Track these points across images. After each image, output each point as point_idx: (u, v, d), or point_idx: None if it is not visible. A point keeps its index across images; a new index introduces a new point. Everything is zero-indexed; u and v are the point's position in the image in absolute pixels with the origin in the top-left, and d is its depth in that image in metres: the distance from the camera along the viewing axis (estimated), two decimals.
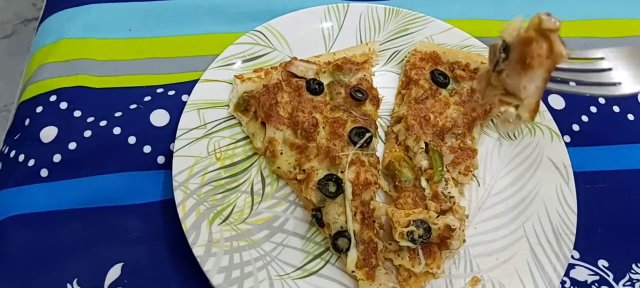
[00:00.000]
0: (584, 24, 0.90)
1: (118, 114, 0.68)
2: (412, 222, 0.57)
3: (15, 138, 0.66)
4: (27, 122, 0.67)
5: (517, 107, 0.48)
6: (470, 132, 0.69)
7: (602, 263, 0.65)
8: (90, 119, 0.67)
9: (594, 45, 0.87)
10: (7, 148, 0.66)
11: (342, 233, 0.59)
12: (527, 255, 0.62)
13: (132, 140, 0.66)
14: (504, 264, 0.61)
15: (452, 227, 0.56)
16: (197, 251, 0.56)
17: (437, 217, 0.58)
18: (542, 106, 0.74)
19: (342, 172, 0.61)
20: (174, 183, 0.60)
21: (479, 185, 0.68)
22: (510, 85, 0.47)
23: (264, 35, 0.75)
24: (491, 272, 0.61)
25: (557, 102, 0.78)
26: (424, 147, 0.66)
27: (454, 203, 0.61)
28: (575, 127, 0.76)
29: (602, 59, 0.51)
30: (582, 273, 0.64)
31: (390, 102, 0.75)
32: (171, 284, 0.58)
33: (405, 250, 0.58)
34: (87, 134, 0.65)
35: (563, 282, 0.63)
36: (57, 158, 0.63)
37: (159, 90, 0.71)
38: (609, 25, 0.90)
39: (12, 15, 1.72)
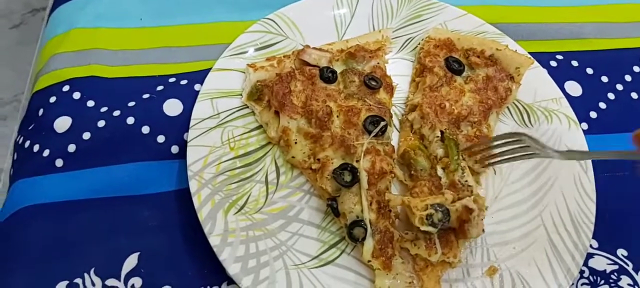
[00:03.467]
0: (599, 8, 0.88)
1: (131, 104, 0.67)
2: (429, 206, 0.56)
3: (30, 128, 0.66)
4: (40, 112, 0.66)
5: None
6: (486, 120, 0.68)
7: (621, 252, 0.64)
8: (103, 109, 0.66)
9: (609, 30, 0.85)
10: (22, 138, 0.66)
11: (358, 222, 0.58)
12: (545, 244, 0.61)
13: (146, 129, 0.66)
14: (521, 253, 0.61)
15: (470, 207, 0.56)
16: (214, 241, 0.56)
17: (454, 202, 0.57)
18: (559, 93, 0.73)
19: (357, 161, 0.61)
20: (189, 173, 0.60)
21: (495, 173, 0.67)
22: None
23: (276, 23, 0.74)
24: (508, 261, 0.60)
25: (574, 89, 0.77)
26: (440, 135, 0.65)
27: (472, 192, 0.60)
28: (593, 114, 0.75)
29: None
30: (600, 263, 0.64)
31: (404, 90, 0.74)
32: (188, 273, 0.58)
33: (421, 239, 0.57)
34: (101, 123, 0.65)
35: (582, 272, 0.62)
36: (71, 148, 0.63)
37: (171, 80, 0.71)
38: (624, 10, 0.89)
39: (21, 5, 1.72)
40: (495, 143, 0.57)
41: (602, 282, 0.62)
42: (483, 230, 0.58)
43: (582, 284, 0.62)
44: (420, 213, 0.56)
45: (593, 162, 0.67)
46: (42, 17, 1.71)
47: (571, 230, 0.61)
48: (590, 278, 0.62)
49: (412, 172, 0.64)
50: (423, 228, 0.56)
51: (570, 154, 0.56)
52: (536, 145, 0.57)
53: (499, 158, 0.57)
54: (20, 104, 1.50)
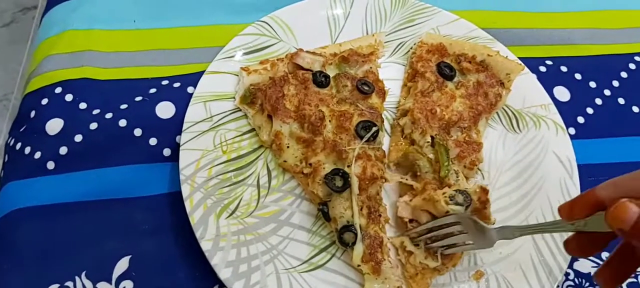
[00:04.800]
0: (588, 15, 0.89)
1: (124, 106, 0.67)
2: (450, 192, 0.58)
3: (21, 130, 0.66)
4: (32, 114, 0.66)
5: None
6: (476, 126, 0.69)
7: (605, 254, 0.65)
8: (95, 111, 0.67)
9: (598, 37, 0.86)
10: (13, 140, 0.66)
11: (349, 227, 0.59)
12: (531, 249, 0.62)
13: (138, 132, 0.66)
14: (507, 258, 0.62)
15: (485, 187, 0.58)
16: (205, 245, 0.57)
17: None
18: (548, 99, 0.74)
19: (348, 166, 0.61)
20: (181, 177, 0.60)
21: (483, 178, 0.68)
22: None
23: (270, 26, 0.74)
24: (495, 266, 0.61)
25: (563, 95, 0.78)
26: (430, 140, 0.66)
27: None
28: (581, 120, 0.76)
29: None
30: (585, 265, 0.65)
31: (395, 95, 0.74)
32: (179, 277, 0.58)
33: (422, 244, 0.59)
34: (93, 126, 0.65)
35: (567, 274, 0.64)
36: (63, 150, 0.63)
37: (164, 82, 0.71)
38: (614, 16, 0.90)
39: (11, 3, 1.71)
40: (436, 224, 0.58)
41: (587, 284, 0.64)
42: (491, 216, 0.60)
43: (568, 286, 0.63)
44: (444, 198, 0.57)
45: (579, 166, 0.68)
46: (33, 16, 1.70)
47: (556, 235, 0.62)
48: (576, 280, 0.64)
49: (418, 173, 0.65)
50: (450, 209, 0.57)
51: (503, 232, 0.56)
52: (475, 228, 0.57)
53: (439, 243, 0.58)
54: (10, 103, 1.49)
